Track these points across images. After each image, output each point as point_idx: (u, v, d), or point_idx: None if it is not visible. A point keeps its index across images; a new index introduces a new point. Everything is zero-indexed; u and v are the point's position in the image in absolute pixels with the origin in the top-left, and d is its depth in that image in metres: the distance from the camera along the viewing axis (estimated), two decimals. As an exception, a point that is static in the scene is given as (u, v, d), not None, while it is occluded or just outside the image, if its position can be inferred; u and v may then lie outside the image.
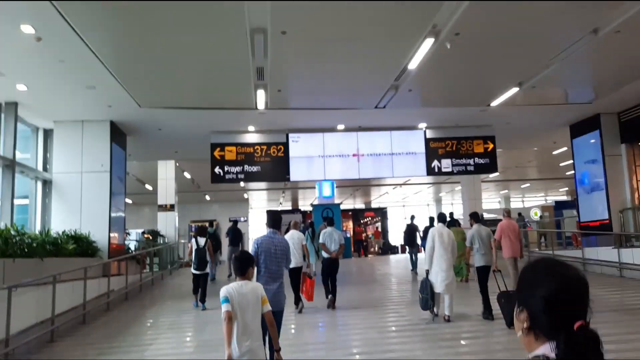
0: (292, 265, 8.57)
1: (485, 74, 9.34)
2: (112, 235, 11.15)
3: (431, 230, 7.67)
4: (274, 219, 5.19)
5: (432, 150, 12.73)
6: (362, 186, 27.39)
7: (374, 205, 33.96)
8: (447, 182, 26.36)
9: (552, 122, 12.92)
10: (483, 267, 7.80)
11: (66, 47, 7.56)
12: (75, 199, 10.90)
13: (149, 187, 22.25)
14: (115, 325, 8.69)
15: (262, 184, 24.63)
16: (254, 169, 12.29)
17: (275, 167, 12.40)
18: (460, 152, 12.78)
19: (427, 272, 7.41)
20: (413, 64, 8.47)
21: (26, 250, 7.77)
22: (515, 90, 10.03)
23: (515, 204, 35.10)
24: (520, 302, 1.29)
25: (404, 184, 26.85)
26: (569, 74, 9.71)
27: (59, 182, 10.97)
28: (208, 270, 10.08)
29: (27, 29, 6.83)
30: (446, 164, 12.72)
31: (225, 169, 12.20)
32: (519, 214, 23.96)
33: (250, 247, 5.03)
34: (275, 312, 4.05)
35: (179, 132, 12.38)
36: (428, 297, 7.26)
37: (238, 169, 12.24)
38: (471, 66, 8.91)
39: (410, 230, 14.96)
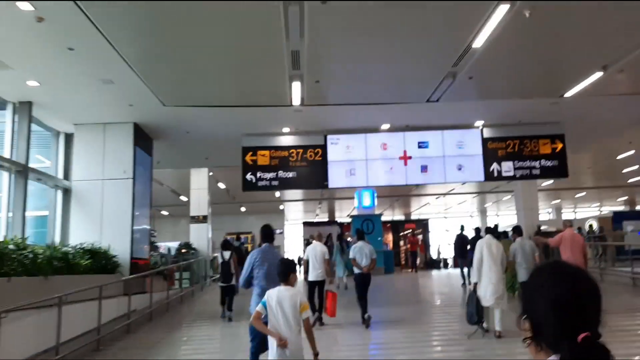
0: (311, 279, 8.37)
1: (565, 54, 7.65)
2: (136, 248, 9.98)
3: (479, 242, 7.25)
4: (265, 232, 5.15)
5: (491, 152, 11.02)
6: (403, 196, 25.66)
7: (413, 216, 32.07)
8: (493, 191, 24.31)
9: (634, 116, 10.98)
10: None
11: (74, 31, 6.44)
12: (96, 209, 9.79)
13: (184, 198, 21.33)
14: (131, 353, 7.39)
15: (298, 194, 23.33)
16: (289, 174, 10.91)
17: (312, 172, 10.97)
18: (523, 154, 11.01)
19: (475, 285, 6.99)
20: (479, 42, 6.90)
21: (29, 267, 6.60)
22: (598, 75, 8.28)
23: (567, 215, 32.43)
24: (523, 310, 1.19)
25: (447, 193, 24.98)
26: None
27: (78, 191, 9.90)
28: (234, 282, 9.67)
29: (24, 5, 5.72)
30: (507, 168, 10.97)
31: (258, 175, 10.87)
32: (579, 228, 21.69)
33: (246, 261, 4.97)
34: None
35: (208, 135, 11.18)
36: (473, 312, 6.77)
37: (272, 175, 10.88)
38: (549, 44, 7.26)
39: (461, 241, 13.47)
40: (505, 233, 12.09)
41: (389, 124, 11.02)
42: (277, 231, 28.35)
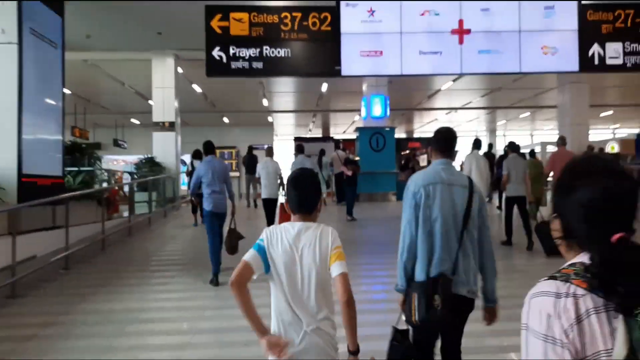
0: (264, 196, 7.91)
1: None
2: (33, 161, 6.08)
3: (467, 156, 7.03)
4: (207, 146, 5.71)
5: (592, 27, 6.98)
6: (408, 110, 21.65)
7: (416, 134, 28.33)
8: (518, 105, 20.40)
9: None
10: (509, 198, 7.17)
11: None
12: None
13: (152, 103, 17.13)
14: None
15: (289, 102, 19.16)
16: (280, 52, 6.79)
17: (316, 50, 6.87)
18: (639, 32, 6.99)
19: None
20: None
21: None
22: None
23: (591, 137, 28.77)
24: (555, 208, 1.07)
25: (461, 108, 21.01)
26: None
27: None
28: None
29: None
30: (614, 52, 7.00)
31: (231, 51, 6.73)
32: (589, 147, 17.92)
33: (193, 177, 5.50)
34: (219, 214, 5.45)
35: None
36: None
37: (253, 52, 6.75)
38: None
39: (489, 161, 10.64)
40: (532, 152, 10.18)
41: (439, -24, 6.77)
42: (265, 146, 24.50)
